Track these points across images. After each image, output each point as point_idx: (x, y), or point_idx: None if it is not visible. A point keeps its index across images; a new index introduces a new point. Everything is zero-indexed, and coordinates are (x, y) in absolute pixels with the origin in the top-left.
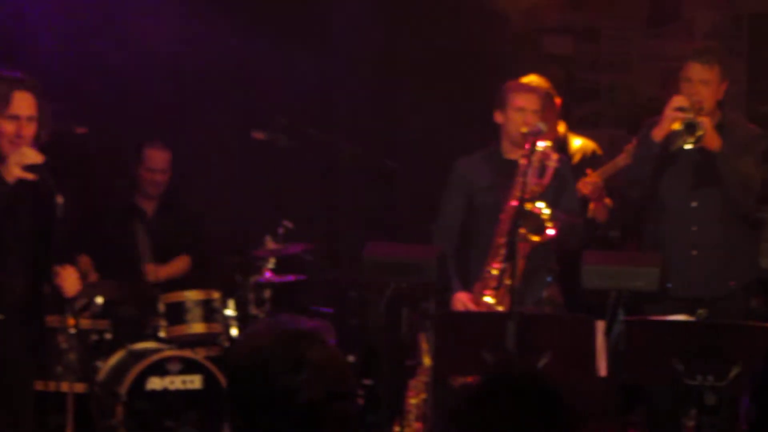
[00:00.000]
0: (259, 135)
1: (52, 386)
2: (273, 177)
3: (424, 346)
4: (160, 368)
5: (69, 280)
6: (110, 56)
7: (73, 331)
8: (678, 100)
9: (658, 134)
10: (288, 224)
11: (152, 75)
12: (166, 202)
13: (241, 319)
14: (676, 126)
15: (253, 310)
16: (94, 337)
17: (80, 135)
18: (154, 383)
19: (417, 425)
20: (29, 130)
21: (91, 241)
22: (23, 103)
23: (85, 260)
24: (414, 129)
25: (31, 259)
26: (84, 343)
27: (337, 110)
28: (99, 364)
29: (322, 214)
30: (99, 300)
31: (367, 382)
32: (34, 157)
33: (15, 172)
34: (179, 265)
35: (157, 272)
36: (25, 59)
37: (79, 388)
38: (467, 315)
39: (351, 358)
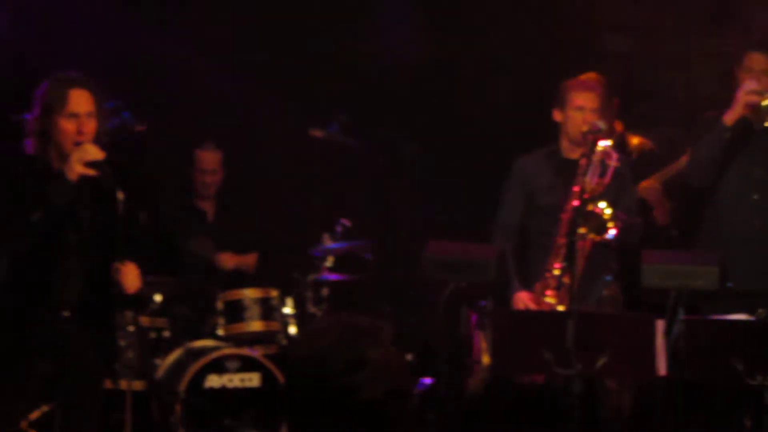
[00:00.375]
0: (317, 132)
1: (110, 384)
2: (331, 175)
3: (483, 344)
4: (218, 366)
5: (129, 276)
6: (169, 54)
7: (131, 329)
8: (750, 83)
9: (730, 118)
10: (346, 222)
11: (211, 72)
12: (224, 203)
13: (300, 317)
14: (766, 102)
15: (311, 308)
16: (153, 335)
17: (140, 132)
18: (213, 381)
19: None
20: (89, 126)
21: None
22: (80, 100)
23: None
24: (473, 127)
25: (93, 256)
26: (142, 341)
27: (395, 108)
28: (157, 362)
29: (381, 212)
30: (157, 298)
31: (426, 380)
32: (96, 153)
33: (77, 169)
34: (250, 260)
35: (227, 261)
36: (79, 62)
37: (138, 386)
38: (526, 313)
39: (409, 357)
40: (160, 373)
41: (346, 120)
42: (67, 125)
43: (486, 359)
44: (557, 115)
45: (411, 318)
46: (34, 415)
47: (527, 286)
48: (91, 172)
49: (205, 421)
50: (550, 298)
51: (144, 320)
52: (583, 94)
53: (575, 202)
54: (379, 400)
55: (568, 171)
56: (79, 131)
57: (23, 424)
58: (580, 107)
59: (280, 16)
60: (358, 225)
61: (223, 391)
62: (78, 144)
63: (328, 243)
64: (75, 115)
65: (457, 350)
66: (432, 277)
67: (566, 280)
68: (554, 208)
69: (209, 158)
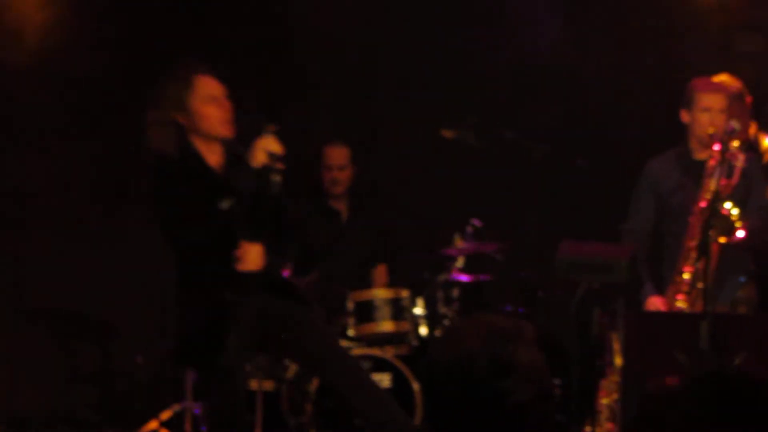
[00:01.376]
0: (448, 133)
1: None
2: (462, 175)
3: (616, 346)
4: None
5: (251, 254)
6: (300, 53)
7: None
8: None
9: None
10: (477, 223)
11: (345, 73)
12: (358, 204)
13: (430, 318)
14: None
15: (442, 309)
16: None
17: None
18: None
19: (608, 426)
20: (228, 111)
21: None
22: (212, 82)
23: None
24: (605, 127)
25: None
26: None
27: (526, 109)
28: (288, 362)
29: (511, 212)
30: None
31: (557, 382)
32: (278, 146)
33: (260, 158)
34: (384, 279)
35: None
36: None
37: (268, 386)
38: (658, 315)
39: None
40: (291, 373)
41: (477, 121)
42: (212, 111)
43: (619, 361)
44: (684, 116)
45: (541, 319)
46: (166, 415)
47: (660, 289)
48: (272, 163)
49: (335, 421)
50: (682, 303)
51: None
52: (709, 96)
53: (702, 204)
54: (528, 402)
55: (696, 172)
56: (225, 118)
57: (154, 424)
58: (707, 108)
59: (413, 16)
60: (489, 226)
61: None
62: (223, 125)
63: (459, 244)
64: (214, 99)
65: (589, 352)
66: (565, 277)
67: (698, 283)
68: (683, 209)
69: (337, 154)
